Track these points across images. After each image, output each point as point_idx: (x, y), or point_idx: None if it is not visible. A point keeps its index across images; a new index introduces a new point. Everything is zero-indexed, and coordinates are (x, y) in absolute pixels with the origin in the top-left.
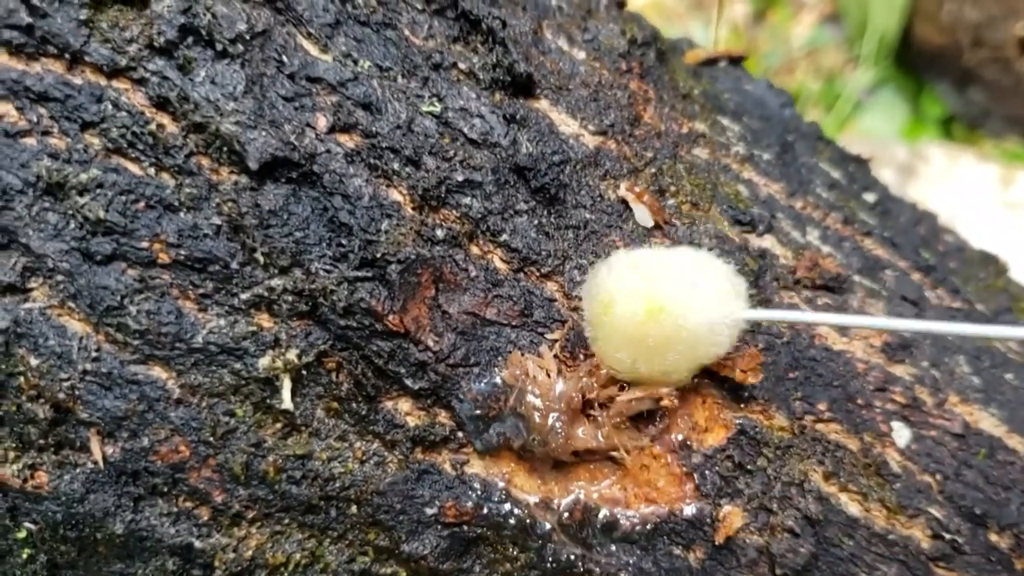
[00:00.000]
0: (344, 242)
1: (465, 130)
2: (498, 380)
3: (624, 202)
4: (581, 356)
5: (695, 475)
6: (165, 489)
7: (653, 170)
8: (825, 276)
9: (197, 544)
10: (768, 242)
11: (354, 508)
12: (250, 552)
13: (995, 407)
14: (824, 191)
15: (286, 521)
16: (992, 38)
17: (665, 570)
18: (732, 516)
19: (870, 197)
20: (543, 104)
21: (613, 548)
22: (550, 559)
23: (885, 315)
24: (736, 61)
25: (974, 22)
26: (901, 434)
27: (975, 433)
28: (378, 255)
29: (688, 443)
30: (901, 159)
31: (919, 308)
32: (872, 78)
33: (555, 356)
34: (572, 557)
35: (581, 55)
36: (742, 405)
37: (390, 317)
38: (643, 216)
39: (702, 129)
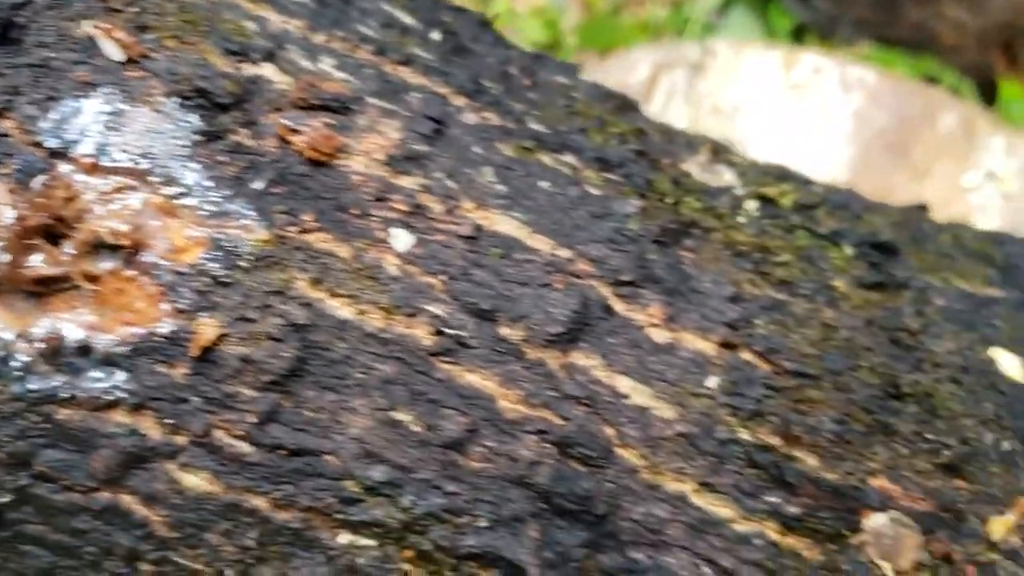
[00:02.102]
0: None
1: None
2: None
3: (91, 39)
4: (36, 184)
5: (170, 293)
6: None
7: (136, 9)
8: (323, 96)
9: None
10: (265, 70)
11: None
12: None
13: (519, 211)
14: (371, 30)
15: None
16: None
17: (152, 388)
18: (205, 328)
19: (436, 35)
20: None
21: (96, 373)
22: (32, 389)
23: (399, 132)
24: None
25: None
26: (400, 239)
27: (490, 235)
28: None
29: (163, 263)
30: (693, 58)
31: (443, 125)
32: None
33: (9, 189)
34: (54, 386)
35: None
36: (215, 222)
37: None
38: (112, 51)
39: None
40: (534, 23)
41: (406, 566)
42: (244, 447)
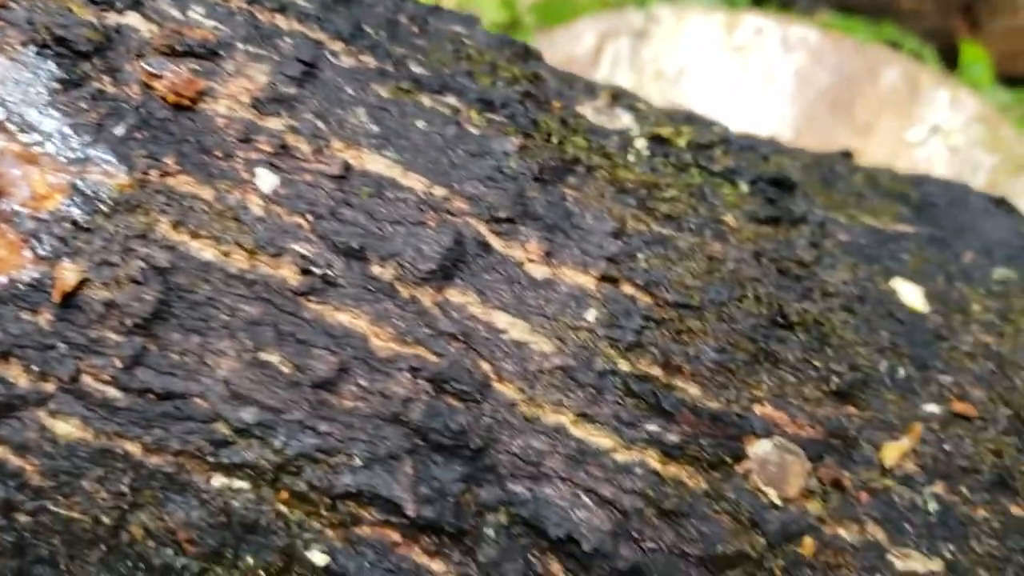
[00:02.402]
0: None
1: None
2: None
3: None
4: None
5: (32, 240)
6: None
7: None
8: (189, 43)
9: None
10: (130, 18)
11: None
12: None
13: (393, 151)
14: None
15: None
16: None
17: (17, 335)
18: (67, 274)
19: None
20: None
21: None
22: None
23: (267, 76)
24: None
25: None
26: (266, 180)
27: (360, 174)
28: None
29: (23, 211)
30: (637, 25)
31: (315, 68)
32: None
33: None
34: None
35: None
36: (76, 168)
37: None
38: None
39: None
40: (492, 3)
41: (281, 507)
42: (113, 392)
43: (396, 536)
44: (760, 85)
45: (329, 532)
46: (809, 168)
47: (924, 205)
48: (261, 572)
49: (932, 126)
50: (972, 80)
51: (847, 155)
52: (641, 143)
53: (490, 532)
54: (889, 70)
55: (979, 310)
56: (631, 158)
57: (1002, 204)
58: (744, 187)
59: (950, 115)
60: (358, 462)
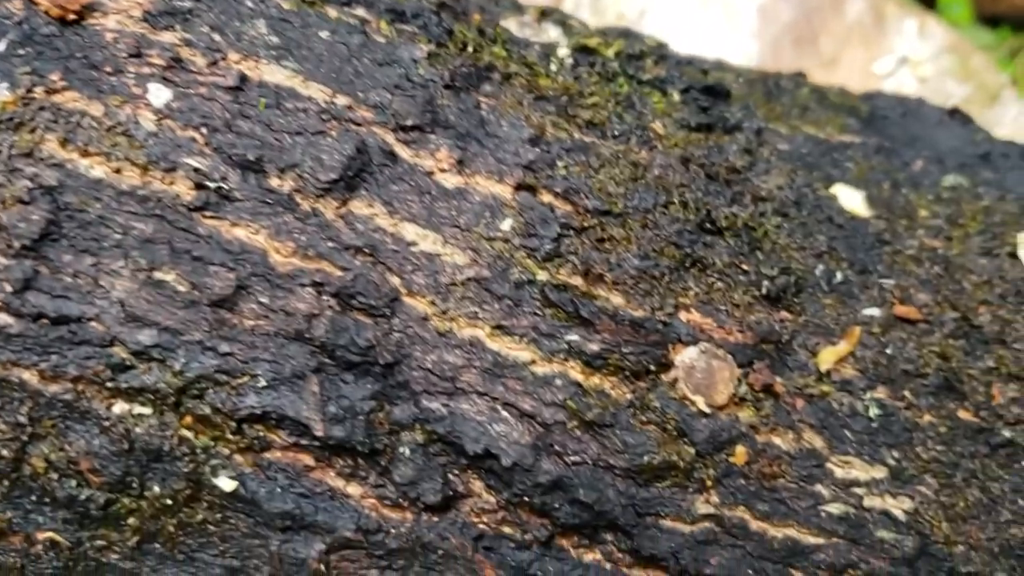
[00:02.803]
0: None
1: None
2: None
3: None
4: None
5: None
6: None
7: None
8: None
9: None
10: None
11: None
12: None
13: (293, 61)
14: None
15: None
16: None
17: None
18: None
19: None
20: None
21: None
22: None
23: None
24: None
25: None
26: (158, 95)
27: (258, 85)
28: None
29: None
30: None
31: None
32: None
33: None
34: None
35: None
36: None
37: None
38: None
39: None
40: None
41: (186, 433)
42: (4, 318)
43: (309, 459)
44: (723, 23)
45: (238, 457)
46: (753, 83)
47: (874, 117)
48: (168, 501)
49: (900, 57)
50: (952, 19)
51: (799, 75)
52: (565, 52)
53: (405, 451)
54: (854, 2)
55: (926, 215)
56: (553, 67)
57: (956, 114)
58: (676, 96)
59: (918, 45)
60: (262, 382)
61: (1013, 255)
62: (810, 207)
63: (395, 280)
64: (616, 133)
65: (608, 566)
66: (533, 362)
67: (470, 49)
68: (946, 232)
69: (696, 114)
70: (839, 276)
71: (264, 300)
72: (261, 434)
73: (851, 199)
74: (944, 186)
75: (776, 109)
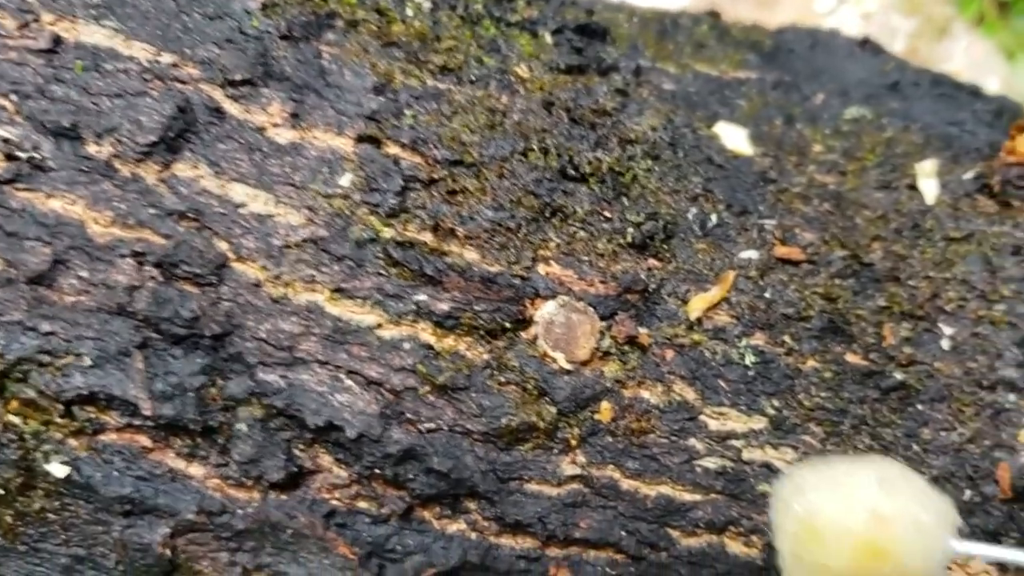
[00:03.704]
0: None
1: None
2: None
3: None
4: None
5: None
6: None
7: None
8: None
9: None
10: None
11: None
12: None
13: (114, 19)
14: None
15: None
16: None
17: None
18: None
19: None
20: None
21: None
22: None
23: None
24: None
25: None
26: None
27: (75, 47)
28: None
29: None
30: None
31: None
32: None
33: None
34: None
35: None
36: None
37: None
38: None
39: None
40: None
41: (12, 418)
42: None
43: (146, 440)
44: None
45: (72, 441)
46: (648, 22)
47: (779, 52)
48: (0, 491)
49: None
50: None
51: (713, 14)
52: None
53: (242, 427)
54: None
55: (820, 150)
56: (409, 12)
57: (867, 44)
58: (548, 37)
59: None
60: (88, 361)
61: (913, 187)
62: (687, 148)
63: (222, 245)
64: (474, 78)
65: (473, 536)
66: (379, 326)
67: None
68: (841, 167)
69: (568, 55)
70: (714, 219)
71: (84, 274)
72: (93, 416)
73: (734, 137)
74: (845, 119)
75: (667, 48)
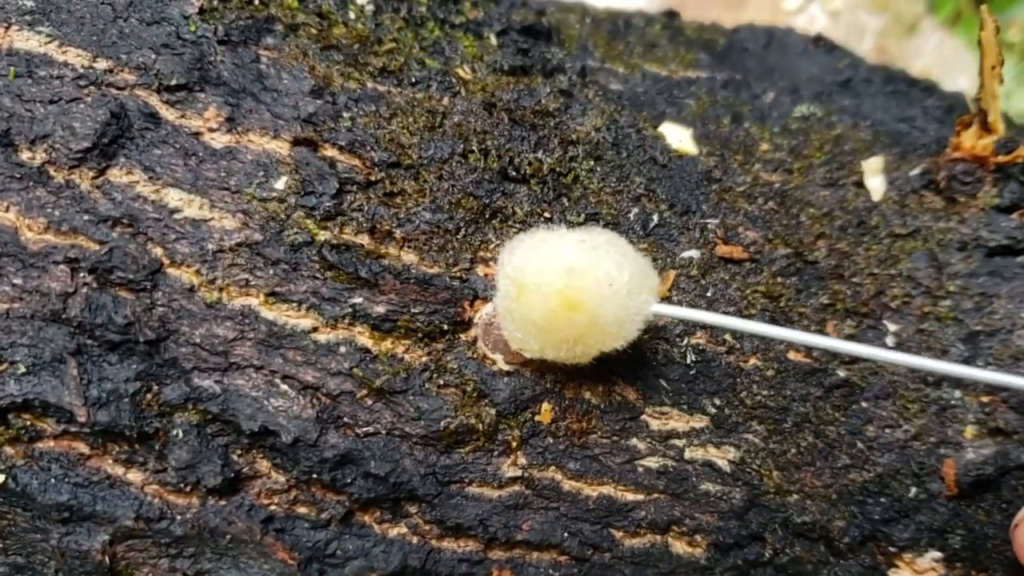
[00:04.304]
0: None
1: None
2: None
3: None
4: None
5: None
6: None
7: None
8: None
9: None
10: None
11: None
12: None
13: (49, 26)
14: None
15: None
16: None
17: None
18: None
19: None
20: None
21: None
22: None
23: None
24: None
25: None
26: None
27: (7, 54)
28: None
29: None
30: None
31: None
32: None
33: None
34: None
35: None
36: None
37: None
38: None
39: None
40: None
41: None
42: None
43: (83, 447)
44: None
45: (8, 449)
46: (600, 23)
47: (732, 51)
48: None
49: None
50: None
51: (671, 15)
52: (363, 0)
53: (178, 433)
54: None
55: (767, 149)
56: (351, 15)
57: (820, 42)
58: (493, 39)
59: None
60: (22, 369)
61: (860, 184)
62: (631, 148)
63: (157, 250)
64: (414, 80)
65: (414, 540)
66: (315, 329)
67: (256, 3)
68: (787, 165)
69: (512, 56)
70: (656, 219)
71: (17, 281)
72: (29, 423)
73: (679, 137)
74: (794, 116)
75: (618, 48)
